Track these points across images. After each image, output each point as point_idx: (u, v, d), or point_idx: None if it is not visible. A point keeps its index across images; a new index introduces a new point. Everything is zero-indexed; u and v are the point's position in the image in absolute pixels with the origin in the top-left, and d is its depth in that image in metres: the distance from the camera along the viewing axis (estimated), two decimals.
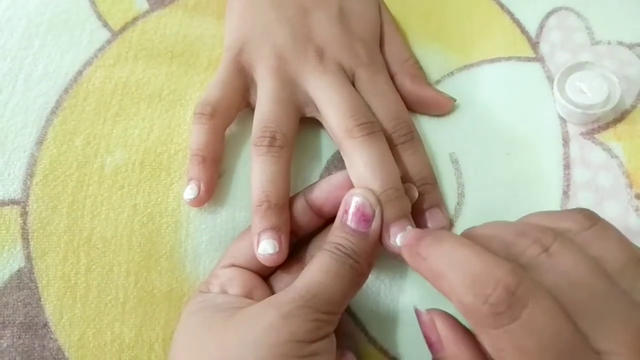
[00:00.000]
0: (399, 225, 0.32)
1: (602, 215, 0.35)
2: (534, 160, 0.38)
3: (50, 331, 0.35)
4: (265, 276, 0.34)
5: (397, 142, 0.36)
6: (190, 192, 0.36)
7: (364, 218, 0.31)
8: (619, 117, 0.39)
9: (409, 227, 0.32)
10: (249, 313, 0.29)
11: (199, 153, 0.36)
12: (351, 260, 0.30)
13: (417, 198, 0.36)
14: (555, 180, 0.38)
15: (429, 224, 0.36)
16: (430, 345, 0.29)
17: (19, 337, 0.35)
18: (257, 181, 0.34)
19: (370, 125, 0.35)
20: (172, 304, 0.35)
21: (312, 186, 0.35)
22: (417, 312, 0.30)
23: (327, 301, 0.29)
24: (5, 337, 0.35)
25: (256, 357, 0.27)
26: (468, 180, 0.38)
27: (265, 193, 0.34)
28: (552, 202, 0.37)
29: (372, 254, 0.32)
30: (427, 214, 0.36)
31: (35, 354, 0.35)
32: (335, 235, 0.31)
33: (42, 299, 0.36)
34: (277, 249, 0.33)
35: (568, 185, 0.37)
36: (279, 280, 0.34)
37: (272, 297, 0.30)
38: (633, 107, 0.39)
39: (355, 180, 0.34)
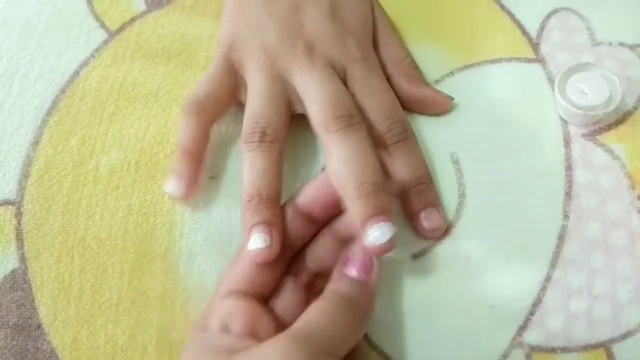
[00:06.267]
0: (373, 222, 0.31)
1: (604, 216, 0.36)
2: (535, 161, 0.38)
3: (44, 333, 0.35)
4: (266, 296, 0.33)
5: (391, 141, 0.36)
6: (171, 185, 0.36)
7: (364, 268, 0.31)
8: (621, 118, 0.39)
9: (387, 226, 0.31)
10: (249, 357, 0.28)
11: (184, 147, 0.36)
12: (352, 305, 0.30)
13: (413, 198, 0.36)
14: (557, 181, 0.37)
15: (425, 224, 0.35)
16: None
17: (13, 339, 0.35)
18: (247, 176, 0.34)
19: (347, 118, 0.34)
20: (166, 306, 0.35)
21: (297, 193, 0.35)
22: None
23: (325, 342, 0.28)
24: None
25: None
26: (469, 180, 0.38)
27: (256, 187, 0.33)
28: (553, 203, 0.37)
29: (371, 300, 0.32)
30: (423, 214, 0.36)
31: (29, 356, 0.34)
32: (335, 282, 0.31)
33: (36, 300, 0.35)
34: (269, 243, 0.32)
35: (570, 187, 0.37)
36: (280, 301, 0.33)
37: (272, 339, 0.28)
38: (635, 108, 0.39)
39: (332, 175, 0.33)
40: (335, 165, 0.33)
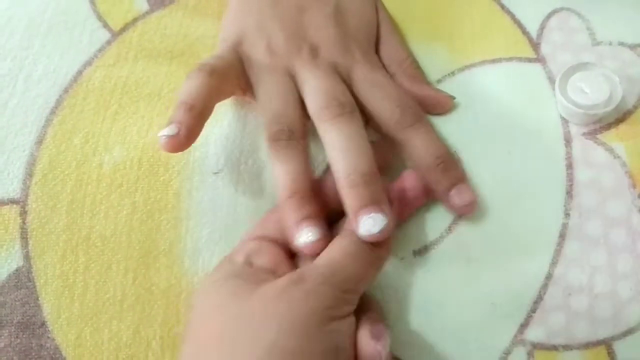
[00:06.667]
0: (364, 212, 0.31)
1: (605, 215, 0.36)
2: (536, 160, 0.38)
3: (48, 330, 0.35)
4: (291, 253, 0.34)
5: (407, 124, 0.36)
6: (168, 130, 0.33)
7: None
8: (621, 117, 0.39)
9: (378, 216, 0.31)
10: (272, 287, 0.30)
11: (188, 102, 0.34)
12: (368, 243, 0.31)
13: (440, 176, 0.35)
14: (558, 180, 0.37)
15: (457, 201, 0.35)
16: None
17: (17, 337, 0.35)
18: (283, 174, 0.34)
19: (340, 107, 0.34)
20: (170, 301, 0.35)
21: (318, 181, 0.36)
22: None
23: (346, 280, 0.30)
24: (2, 337, 0.35)
25: (278, 331, 0.28)
26: (470, 179, 0.37)
27: (295, 184, 0.33)
28: (554, 202, 0.37)
29: (389, 239, 0.32)
30: (453, 192, 0.35)
31: (33, 354, 0.35)
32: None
33: (40, 298, 0.35)
34: (319, 236, 0.32)
35: (571, 185, 0.37)
36: (305, 260, 0.34)
37: (295, 272, 0.30)
38: (635, 107, 0.39)
39: (329, 162, 0.34)
40: (329, 154, 0.34)
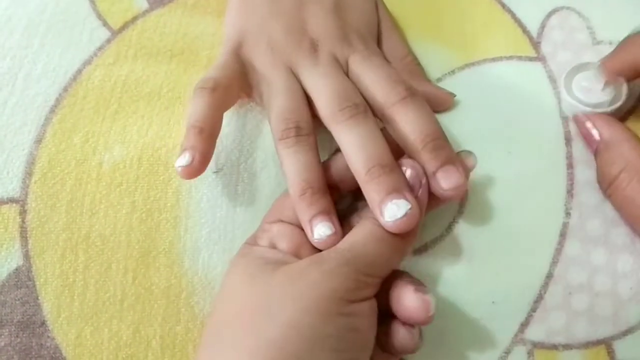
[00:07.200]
0: (387, 200, 0.31)
1: (607, 214, 0.36)
2: (537, 159, 0.38)
3: (48, 329, 0.35)
4: None
5: (395, 99, 0.34)
6: (183, 159, 0.33)
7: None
8: (623, 117, 0.39)
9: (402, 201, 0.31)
10: (293, 268, 0.30)
11: (197, 125, 0.34)
12: None
13: (427, 157, 0.32)
14: (559, 179, 0.37)
15: (443, 184, 0.32)
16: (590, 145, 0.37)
17: (17, 336, 0.35)
18: (293, 172, 0.34)
19: (353, 108, 0.34)
20: (170, 301, 0.35)
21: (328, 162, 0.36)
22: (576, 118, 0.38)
23: (369, 263, 0.30)
24: (2, 336, 0.35)
25: (297, 309, 0.28)
26: (470, 178, 0.37)
27: (306, 181, 0.33)
28: (555, 201, 0.37)
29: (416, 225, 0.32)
30: (439, 174, 0.32)
31: (33, 353, 0.35)
32: None
33: (39, 297, 0.35)
34: (334, 230, 0.32)
35: (572, 184, 0.37)
36: None
37: (316, 255, 0.31)
38: (634, 107, 0.39)
39: (349, 165, 0.33)
40: (347, 153, 0.33)
